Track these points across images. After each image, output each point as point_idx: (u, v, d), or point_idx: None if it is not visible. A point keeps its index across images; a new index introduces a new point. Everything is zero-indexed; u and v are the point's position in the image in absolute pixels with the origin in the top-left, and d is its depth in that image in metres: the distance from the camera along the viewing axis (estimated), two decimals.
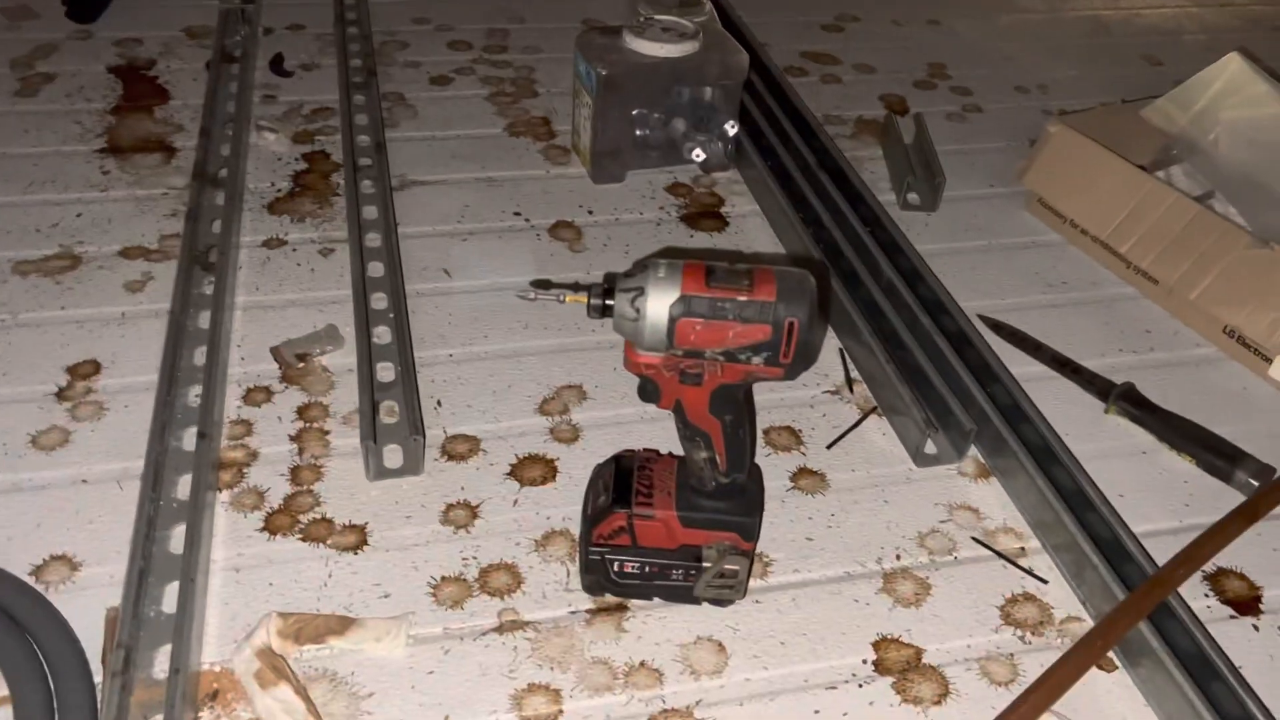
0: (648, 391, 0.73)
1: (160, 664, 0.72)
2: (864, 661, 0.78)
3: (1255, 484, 0.92)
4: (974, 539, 0.88)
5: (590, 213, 1.23)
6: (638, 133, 1.27)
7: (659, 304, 0.67)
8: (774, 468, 0.93)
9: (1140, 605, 0.75)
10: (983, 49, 1.68)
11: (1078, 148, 1.20)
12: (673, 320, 0.67)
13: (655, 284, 0.67)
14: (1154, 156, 1.23)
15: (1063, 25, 1.80)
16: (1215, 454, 0.94)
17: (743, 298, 0.67)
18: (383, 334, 1.00)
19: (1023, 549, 0.87)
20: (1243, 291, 1.05)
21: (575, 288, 0.70)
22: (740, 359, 0.69)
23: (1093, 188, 1.19)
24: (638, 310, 0.68)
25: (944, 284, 1.10)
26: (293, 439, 0.91)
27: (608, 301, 0.69)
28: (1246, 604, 0.84)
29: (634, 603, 0.80)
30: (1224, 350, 1.09)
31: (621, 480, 0.79)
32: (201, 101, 1.32)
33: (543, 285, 0.72)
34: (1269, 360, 1.05)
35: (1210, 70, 1.22)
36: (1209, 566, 0.86)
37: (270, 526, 0.84)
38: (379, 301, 1.03)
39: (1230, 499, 0.92)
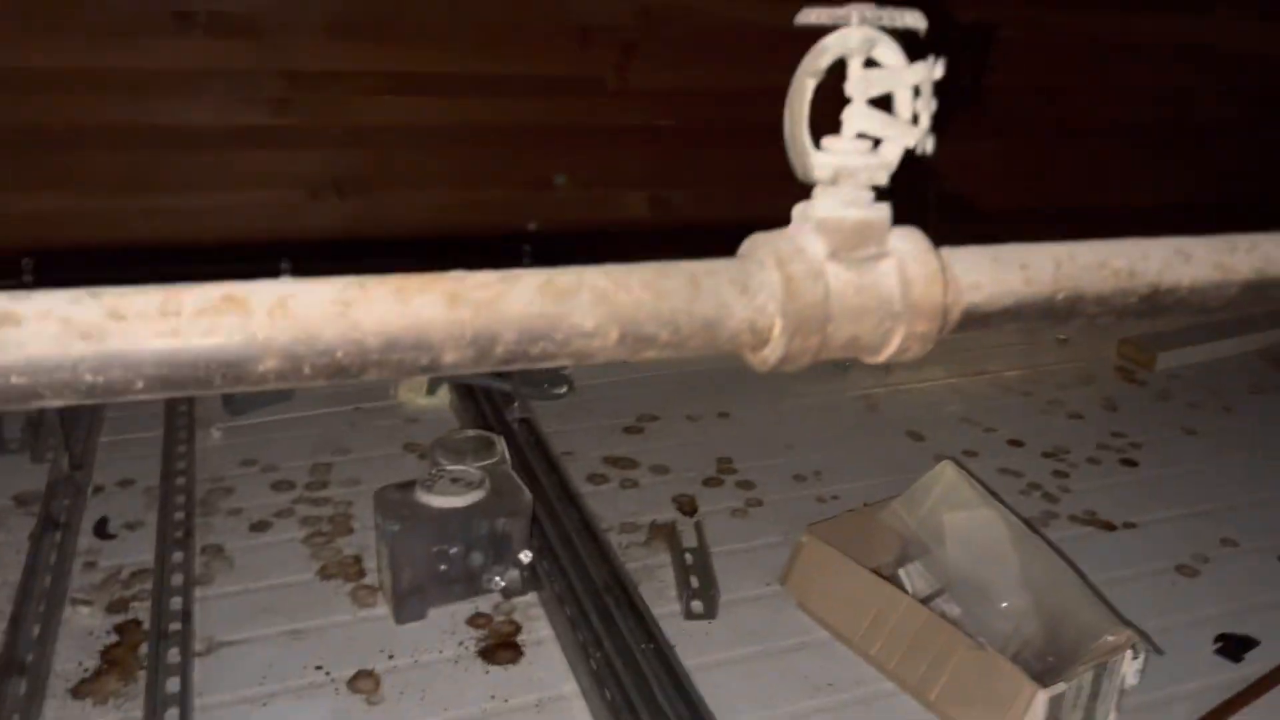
0: None
1: None
2: None
3: None
4: None
5: (390, 657, 1.31)
6: (440, 568, 1.39)
7: None
8: None
9: None
10: (766, 438, 1.88)
11: (825, 557, 1.35)
12: None
13: None
14: (895, 555, 1.39)
15: (837, 408, 2.04)
16: None
17: None
18: None
19: None
20: (970, 692, 1.17)
21: None
22: None
23: (842, 594, 1.33)
24: None
25: (719, 699, 1.20)
26: None
27: None
28: None
29: None
30: None
31: None
32: (19, 579, 1.39)
33: None
34: None
35: (929, 476, 1.41)
36: None
37: None
38: None
39: None
